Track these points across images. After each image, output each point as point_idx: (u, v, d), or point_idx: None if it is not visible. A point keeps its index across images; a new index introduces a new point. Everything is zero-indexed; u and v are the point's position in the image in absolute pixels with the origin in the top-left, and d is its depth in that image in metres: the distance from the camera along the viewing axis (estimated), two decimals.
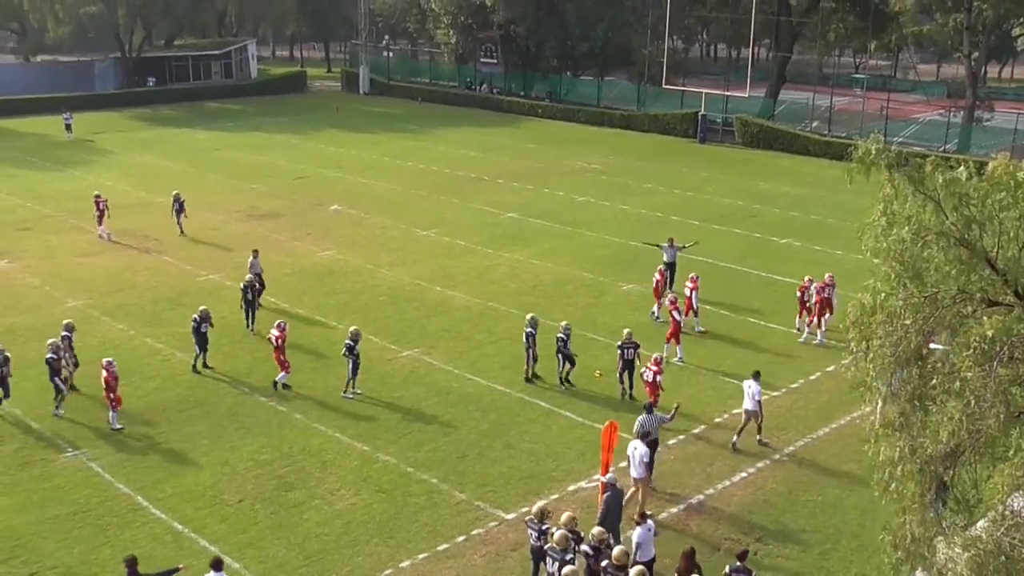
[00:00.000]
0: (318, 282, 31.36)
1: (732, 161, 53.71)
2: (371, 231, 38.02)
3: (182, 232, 36.56)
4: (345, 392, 22.85)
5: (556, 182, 47.26)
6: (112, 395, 21.29)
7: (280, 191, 45.09)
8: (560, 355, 23.41)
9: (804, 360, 25.16)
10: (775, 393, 23.13)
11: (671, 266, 29.57)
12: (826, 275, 26.96)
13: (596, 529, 15.11)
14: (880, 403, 11.31)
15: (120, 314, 28.40)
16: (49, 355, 21.97)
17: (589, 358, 25.08)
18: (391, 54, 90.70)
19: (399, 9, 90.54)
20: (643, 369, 21.80)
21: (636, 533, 15.48)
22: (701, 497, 18.76)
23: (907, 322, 10.73)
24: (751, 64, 61.68)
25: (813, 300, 26.35)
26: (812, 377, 24.01)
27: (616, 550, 14.48)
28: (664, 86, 64.18)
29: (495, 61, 78.81)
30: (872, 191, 11.45)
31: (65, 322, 24.10)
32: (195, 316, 24.40)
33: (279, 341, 23.24)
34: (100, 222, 36.75)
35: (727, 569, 14.80)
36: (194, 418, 21.84)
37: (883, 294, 10.94)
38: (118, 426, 21.28)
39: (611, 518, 16.18)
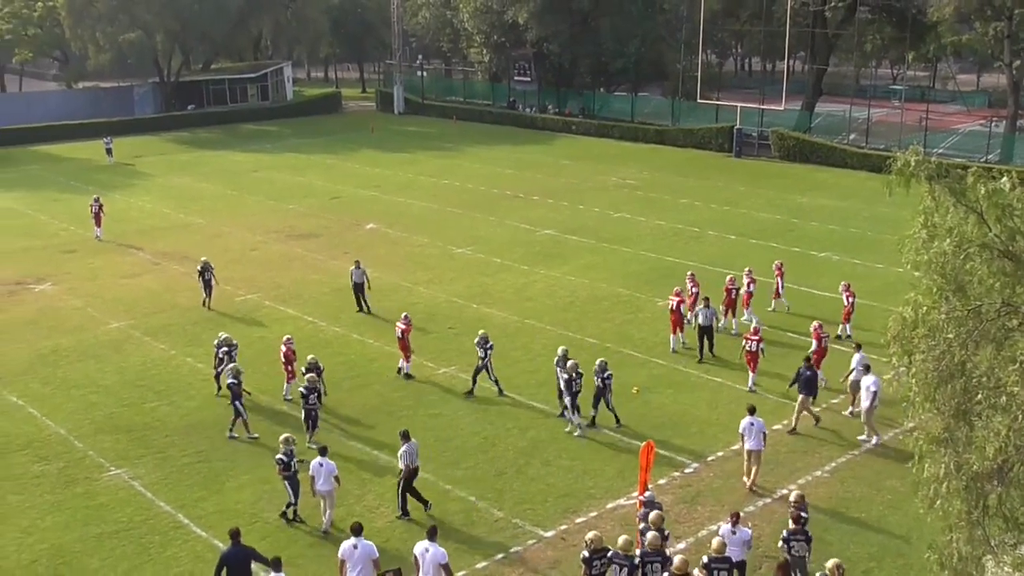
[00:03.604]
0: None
1: (769, 175, 53.42)
2: (407, 249, 38.19)
3: (209, 306, 30.91)
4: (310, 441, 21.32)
5: (592, 198, 47.23)
6: (290, 368, 23.50)
7: (317, 211, 45.46)
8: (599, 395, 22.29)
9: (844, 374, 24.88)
10: (815, 409, 22.89)
11: (706, 330, 26.17)
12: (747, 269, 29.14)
13: (651, 534, 15.07)
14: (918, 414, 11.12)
15: (161, 334, 28.71)
16: (231, 380, 21.96)
17: (626, 374, 25.00)
18: (425, 73, 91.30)
19: (432, 29, 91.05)
20: (744, 342, 23.99)
21: (722, 529, 15.70)
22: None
23: (950, 336, 10.57)
24: (786, 77, 61.48)
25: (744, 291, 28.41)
26: None
27: (677, 559, 14.43)
28: (699, 100, 64.02)
29: (528, 79, 79.06)
30: (912, 203, 11.33)
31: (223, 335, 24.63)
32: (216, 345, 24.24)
33: (404, 333, 24.72)
34: (97, 224, 40.21)
35: (784, 534, 15.45)
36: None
37: (925, 308, 10.79)
38: (289, 397, 23.06)
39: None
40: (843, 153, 55.74)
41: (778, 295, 29.79)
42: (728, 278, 28.60)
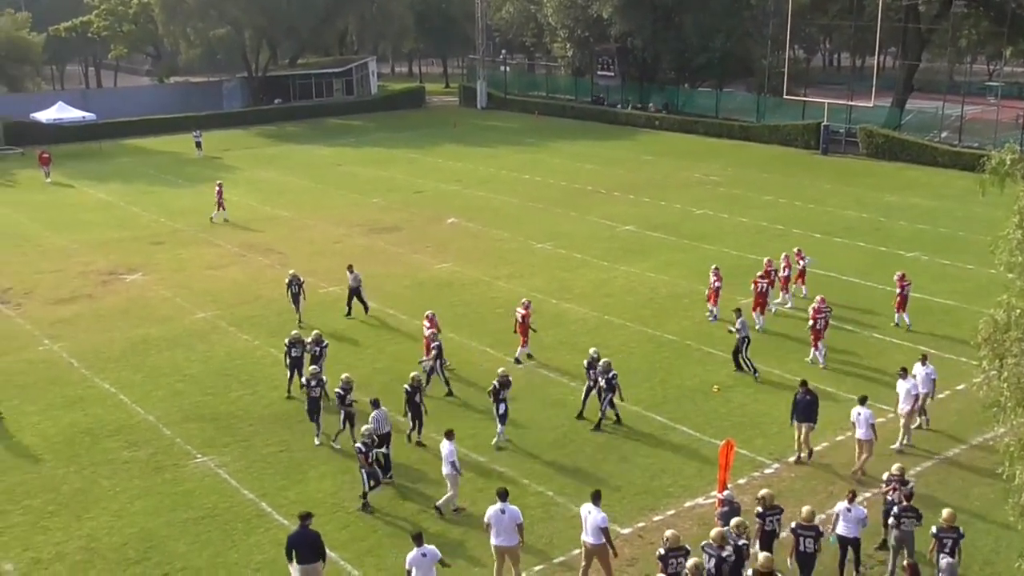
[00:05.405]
0: (436, 294, 31.76)
1: (856, 173, 52.33)
2: (488, 244, 38.36)
3: (300, 322, 28.73)
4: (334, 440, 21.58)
5: (674, 194, 46.85)
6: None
7: (399, 205, 45.92)
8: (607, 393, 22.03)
9: None
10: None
11: (744, 340, 25.00)
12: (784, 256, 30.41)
13: (735, 520, 15.27)
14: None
15: (246, 325, 29.32)
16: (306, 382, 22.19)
17: (706, 372, 24.84)
18: (508, 68, 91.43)
19: (516, 23, 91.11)
20: (812, 321, 24.92)
21: (838, 506, 16.31)
22: (823, 516, 18.23)
23: None
24: (876, 73, 60.00)
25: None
26: (940, 396, 23.10)
27: (761, 556, 14.46)
28: (785, 97, 62.96)
29: (612, 74, 78.64)
30: (1007, 203, 11.03)
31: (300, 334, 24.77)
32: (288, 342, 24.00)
33: (524, 318, 25.60)
34: (219, 207, 42.91)
35: (895, 510, 16.01)
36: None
37: (1018, 311, 10.51)
38: (429, 362, 23.66)
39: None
40: (934, 151, 54.27)
41: (800, 281, 30.38)
42: (766, 260, 29.64)
